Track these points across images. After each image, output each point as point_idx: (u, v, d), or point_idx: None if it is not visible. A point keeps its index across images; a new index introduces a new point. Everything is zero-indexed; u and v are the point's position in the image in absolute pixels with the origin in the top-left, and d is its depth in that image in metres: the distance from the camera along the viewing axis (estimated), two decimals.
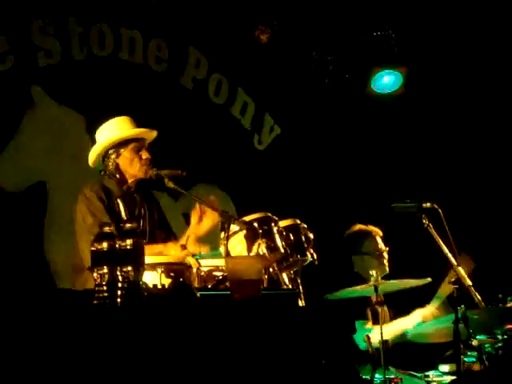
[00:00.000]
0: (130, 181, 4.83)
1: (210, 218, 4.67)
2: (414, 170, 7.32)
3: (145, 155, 4.78)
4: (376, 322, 5.29)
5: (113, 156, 4.78)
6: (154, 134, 4.88)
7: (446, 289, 5.00)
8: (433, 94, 7.34)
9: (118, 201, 4.77)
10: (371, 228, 5.77)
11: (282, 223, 4.66)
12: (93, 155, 4.83)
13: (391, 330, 5.21)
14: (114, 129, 4.80)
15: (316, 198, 7.09)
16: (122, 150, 4.78)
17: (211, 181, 6.67)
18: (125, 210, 4.76)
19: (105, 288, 3.11)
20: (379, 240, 5.73)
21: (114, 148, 4.77)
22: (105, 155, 4.80)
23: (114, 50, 6.54)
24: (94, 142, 4.90)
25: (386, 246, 5.71)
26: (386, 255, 5.68)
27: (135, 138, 4.80)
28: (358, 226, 5.79)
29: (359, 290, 4.97)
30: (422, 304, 5.37)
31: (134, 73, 6.59)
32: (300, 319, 3.66)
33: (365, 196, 7.17)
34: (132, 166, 4.78)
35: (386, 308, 5.50)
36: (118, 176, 4.79)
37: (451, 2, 6.84)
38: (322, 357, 3.57)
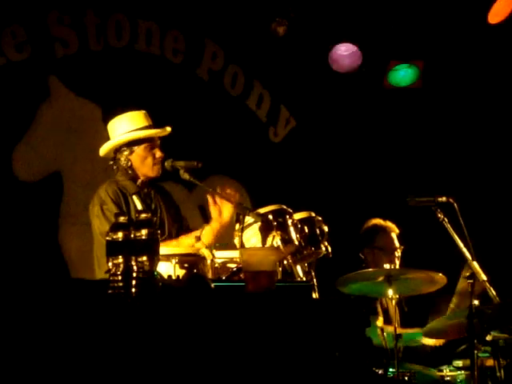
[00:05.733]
0: (142, 178, 4.84)
1: (228, 211, 4.66)
2: (429, 164, 7.29)
3: (158, 154, 4.81)
4: (386, 317, 5.27)
5: (126, 153, 4.81)
6: (167, 130, 4.89)
7: (464, 284, 4.97)
8: (449, 88, 7.30)
9: (134, 197, 4.79)
10: (388, 224, 5.74)
11: (297, 216, 4.66)
12: (106, 148, 4.85)
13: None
14: (130, 124, 4.81)
15: (331, 191, 7.08)
16: (136, 147, 4.81)
17: (226, 173, 6.68)
18: (142, 206, 4.77)
19: (119, 278, 3.12)
20: (394, 236, 5.70)
21: (128, 145, 4.80)
22: (117, 150, 4.82)
23: (131, 42, 6.55)
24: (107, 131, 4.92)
25: (401, 244, 5.67)
26: (398, 253, 5.65)
27: (149, 137, 4.82)
28: (375, 221, 5.77)
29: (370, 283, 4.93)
30: (435, 301, 5.36)
31: (150, 64, 6.60)
32: (314, 312, 3.65)
33: (380, 189, 7.15)
34: (144, 165, 4.81)
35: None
36: (130, 172, 4.82)
37: None
38: (336, 349, 3.56)
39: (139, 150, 4.80)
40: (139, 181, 4.85)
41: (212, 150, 6.55)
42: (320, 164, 7.21)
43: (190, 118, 6.48)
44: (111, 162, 4.88)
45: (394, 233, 5.71)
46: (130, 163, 4.81)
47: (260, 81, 7.11)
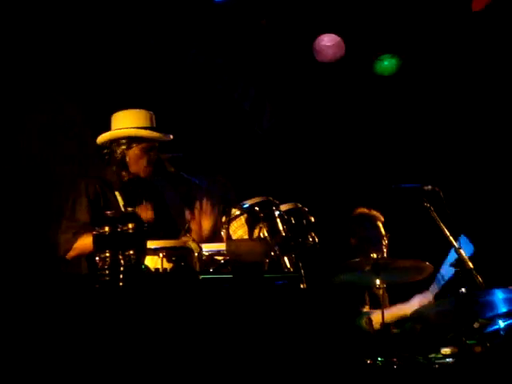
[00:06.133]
0: (130, 176, 4.85)
1: (208, 224, 4.73)
2: (414, 153, 7.31)
3: (153, 157, 4.84)
4: (374, 306, 5.30)
5: (123, 146, 4.83)
6: (170, 137, 4.93)
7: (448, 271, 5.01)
8: (431, 78, 7.32)
9: (117, 193, 4.80)
10: (373, 213, 5.77)
11: (283, 207, 4.66)
12: (105, 137, 4.86)
13: (389, 315, 5.20)
14: (135, 120, 4.84)
15: (316, 182, 7.09)
16: (135, 144, 4.82)
17: (212, 165, 6.66)
18: (123, 202, 4.77)
19: (107, 272, 3.12)
20: (380, 225, 5.73)
21: (128, 139, 4.80)
22: (115, 141, 4.83)
23: None
24: (94, 135, 4.93)
25: (386, 233, 5.70)
26: (385, 242, 5.68)
27: (151, 139, 4.83)
28: (361, 210, 5.79)
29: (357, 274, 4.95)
30: (420, 290, 5.39)
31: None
32: (302, 302, 3.66)
33: (365, 178, 7.17)
34: (138, 164, 4.84)
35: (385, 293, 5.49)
36: (121, 166, 4.82)
37: None
38: (324, 339, 3.58)
39: (137, 147, 4.83)
40: (126, 177, 4.86)
41: (197, 142, 6.53)
42: (305, 155, 7.21)
43: (174, 110, 6.45)
44: (106, 151, 4.88)
45: (380, 221, 5.74)
46: (124, 157, 4.82)
47: (245, 72, 7.09)
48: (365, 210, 5.78)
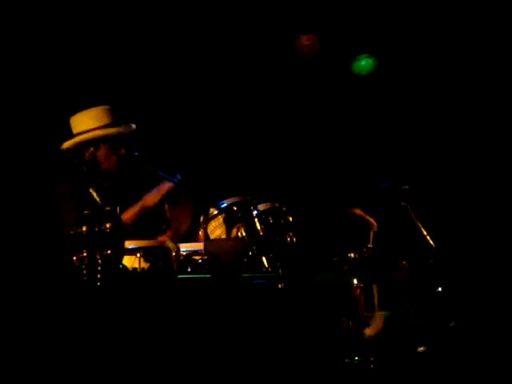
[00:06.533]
0: (104, 172, 4.83)
1: (186, 225, 4.73)
2: (393, 152, 7.33)
3: (122, 151, 4.81)
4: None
5: (91, 148, 4.80)
6: (132, 127, 4.89)
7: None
8: (408, 78, 7.35)
9: (91, 190, 4.77)
10: (371, 220, 5.76)
11: (261, 207, 4.67)
12: (70, 143, 4.82)
13: None
14: (95, 120, 4.80)
15: (294, 182, 7.09)
16: (102, 144, 4.79)
17: (189, 166, 6.62)
18: (100, 199, 4.75)
19: (84, 272, 3.09)
20: (371, 234, 5.74)
21: (94, 142, 4.78)
22: (81, 145, 4.80)
23: None
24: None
25: (373, 241, 5.71)
26: (370, 246, 5.69)
27: (116, 135, 4.81)
28: (358, 211, 5.78)
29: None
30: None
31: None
32: (280, 301, 3.66)
33: (343, 178, 7.18)
34: (109, 161, 4.81)
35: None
36: (92, 166, 4.80)
37: None
38: (303, 338, 3.58)
39: (105, 146, 4.80)
40: (100, 176, 4.84)
41: (175, 144, 6.50)
42: (283, 154, 7.21)
43: (147, 112, 6.40)
44: (72, 155, 4.84)
45: (373, 230, 5.74)
46: (94, 158, 4.80)
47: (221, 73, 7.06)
48: (362, 214, 5.78)
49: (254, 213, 4.55)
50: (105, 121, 4.81)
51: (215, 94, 6.98)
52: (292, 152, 7.26)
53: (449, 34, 6.96)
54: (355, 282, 4.88)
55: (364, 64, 7.28)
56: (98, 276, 3.05)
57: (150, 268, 4.00)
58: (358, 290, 4.99)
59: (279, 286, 4.33)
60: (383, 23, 7.01)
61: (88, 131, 4.79)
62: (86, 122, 4.82)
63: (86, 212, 3.12)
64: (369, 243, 5.65)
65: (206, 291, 3.64)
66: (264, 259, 4.55)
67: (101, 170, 4.82)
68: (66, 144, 4.84)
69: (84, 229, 3.07)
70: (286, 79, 7.22)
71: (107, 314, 3.13)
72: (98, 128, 4.79)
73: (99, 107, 4.86)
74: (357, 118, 7.41)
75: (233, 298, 3.54)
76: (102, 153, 4.80)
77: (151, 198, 4.73)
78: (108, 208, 3.14)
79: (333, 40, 7.06)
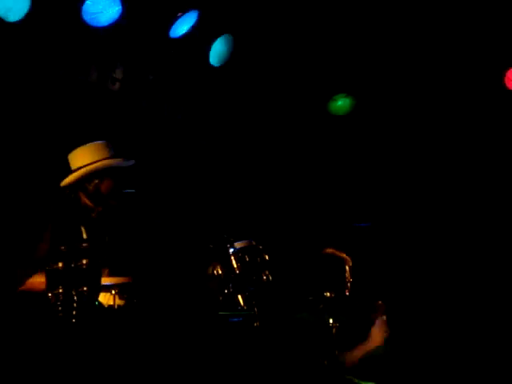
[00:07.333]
0: (100, 208, 4.83)
1: None
2: (365, 191, 7.38)
3: (119, 183, 4.84)
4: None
5: (96, 180, 4.80)
6: (133, 161, 4.93)
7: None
8: (384, 118, 7.43)
9: (82, 228, 4.75)
10: (344, 256, 5.78)
11: (238, 244, 4.67)
12: (73, 177, 4.80)
13: (353, 358, 5.19)
14: (99, 154, 4.82)
15: (271, 220, 7.10)
16: (106, 176, 4.80)
17: (171, 205, 6.60)
18: (87, 236, 4.73)
19: (59, 309, 3.06)
20: (347, 269, 5.75)
21: (99, 173, 4.79)
22: (85, 178, 4.80)
23: None
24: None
25: (351, 277, 5.71)
26: (348, 285, 5.70)
27: (119, 167, 4.83)
28: (331, 250, 5.79)
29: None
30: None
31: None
32: (256, 339, 3.66)
33: (318, 217, 7.21)
34: (111, 192, 4.81)
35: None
36: (93, 199, 4.79)
37: None
38: (279, 376, 3.57)
39: (108, 179, 4.82)
40: (95, 212, 4.82)
41: (155, 177, 6.48)
42: (261, 193, 7.22)
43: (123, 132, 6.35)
44: (70, 191, 4.82)
45: (348, 265, 5.75)
46: (98, 190, 4.80)
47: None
48: (335, 252, 5.79)
49: (231, 250, 4.54)
50: (107, 154, 4.83)
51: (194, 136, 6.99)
52: (268, 191, 7.29)
53: (423, 73, 7.04)
54: (331, 321, 4.86)
55: (341, 104, 7.35)
56: (74, 313, 3.02)
57: (124, 305, 3.97)
58: (334, 330, 4.98)
59: (255, 324, 4.32)
60: (361, 63, 7.08)
61: (92, 163, 4.79)
62: (89, 156, 4.82)
63: (62, 248, 3.10)
64: (346, 279, 5.65)
65: (183, 327, 3.62)
66: (240, 297, 4.54)
67: (104, 201, 4.81)
68: (68, 179, 4.82)
69: (60, 265, 3.05)
70: (260, 118, 7.25)
71: (82, 352, 3.10)
72: (102, 160, 4.81)
73: (98, 142, 4.88)
74: (331, 159, 7.47)
75: (209, 336, 3.53)
76: (106, 184, 4.80)
77: None
78: (85, 244, 3.12)
79: (309, 79, 7.11)
